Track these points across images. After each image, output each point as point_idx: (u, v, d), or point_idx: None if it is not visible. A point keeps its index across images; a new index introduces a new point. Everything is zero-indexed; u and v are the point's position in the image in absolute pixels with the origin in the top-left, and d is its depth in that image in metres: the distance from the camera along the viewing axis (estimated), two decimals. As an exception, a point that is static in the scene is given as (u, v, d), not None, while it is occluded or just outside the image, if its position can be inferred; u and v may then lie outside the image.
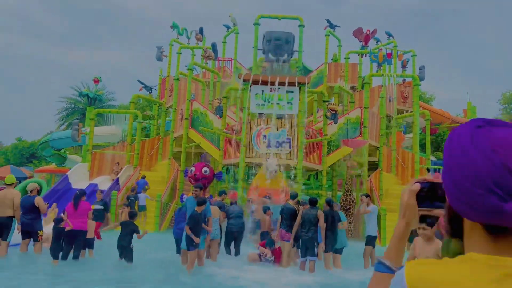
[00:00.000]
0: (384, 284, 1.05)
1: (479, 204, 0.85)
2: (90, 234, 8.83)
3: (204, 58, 19.16)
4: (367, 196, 9.17)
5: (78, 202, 8.44)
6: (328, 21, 23.81)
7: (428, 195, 1.06)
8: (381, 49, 18.09)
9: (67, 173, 16.25)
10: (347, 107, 19.53)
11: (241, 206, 11.43)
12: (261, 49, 17.56)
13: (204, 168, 14.66)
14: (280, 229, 8.40)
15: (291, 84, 14.06)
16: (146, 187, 15.56)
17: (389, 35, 23.28)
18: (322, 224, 7.75)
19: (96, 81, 22.57)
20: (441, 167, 17.41)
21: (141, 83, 22.75)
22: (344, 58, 21.96)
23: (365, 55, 22.58)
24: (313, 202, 8.03)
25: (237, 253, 10.14)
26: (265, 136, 14.09)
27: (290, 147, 13.98)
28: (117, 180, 15.78)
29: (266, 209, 9.58)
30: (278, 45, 16.02)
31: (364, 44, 21.93)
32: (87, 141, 17.70)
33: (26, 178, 28.17)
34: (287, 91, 14.16)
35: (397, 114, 20.48)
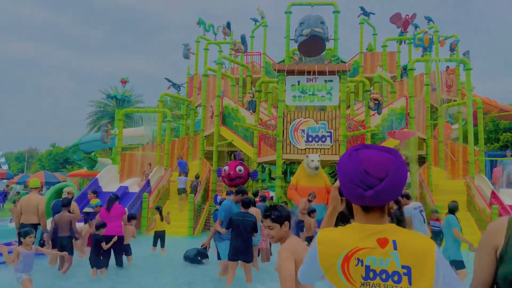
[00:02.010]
0: None
1: (353, 193, 1.54)
2: (127, 240, 8.27)
3: (233, 52, 18.24)
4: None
5: (111, 205, 7.87)
6: (362, 8, 22.44)
7: None
8: (426, 32, 16.61)
9: (97, 176, 15.68)
10: (386, 97, 18.13)
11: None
12: (293, 39, 16.41)
13: (239, 167, 13.75)
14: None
15: (331, 72, 12.92)
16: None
17: (429, 19, 21.65)
18: None
19: (124, 82, 22.07)
20: (496, 159, 15.81)
21: (169, 81, 22.09)
22: (382, 46, 20.54)
23: (404, 42, 21.10)
24: None
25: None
26: (303, 130, 13.00)
27: (331, 142, 12.83)
28: (148, 181, 15.07)
29: (311, 211, 8.47)
30: (313, 20, 14.69)
31: (403, 30, 20.45)
32: (116, 142, 17.12)
33: (59, 183, 28.16)
34: (326, 81, 13.03)
35: (441, 104, 18.93)
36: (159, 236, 9.84)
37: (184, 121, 23.25)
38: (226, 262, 6.41)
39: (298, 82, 13.12)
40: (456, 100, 19.59)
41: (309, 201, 9.82)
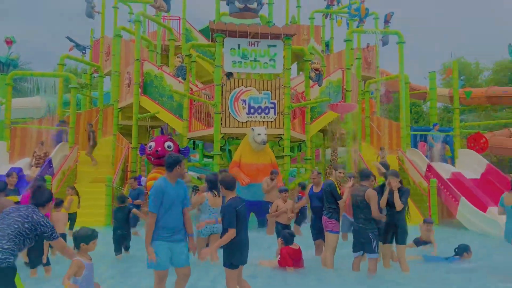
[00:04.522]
0: None
1: None
2: (62, 228, 6.60)
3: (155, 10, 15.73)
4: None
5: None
6: (287, -23, 21.39)
7: None
8: (363, 1, 16.19)
9: (-23, 156, 12.29)
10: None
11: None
12: (224, 0, 14.65)
13: (168, 143, 11.77)
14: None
15: (274, 36, 11.56)
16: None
17: (352, -5, 21.53)
18: (374, 210, 5.47)
19: (9, 42, 17.94)
20: (419, 133, 16.24)
21: (71, 40, 18.52)
22: (309, 18, 19.79)
23: (330, 15, 20.69)
24: (365, 176, 5.73)
25: None
26: (244, 101, 11.52)
27: (275, 113, 11.59)
28: (50, 161, 12.21)
29: (283, 190, 7.13)
30: None
31: (329, 3, 19.96)
32: (3, 114, 13.67)
33: None
34: (269, 45, 11.66)
35: (361, 81, 19.03)
36: (71, 219, 8.59)
37: (88, 91, 19.99)
38: (162, 273, 4.25)
39: (239, 45, 11.52)
40: (374, 78, 19.90)
41: (272, 179, 8.50)
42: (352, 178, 7.61)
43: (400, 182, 5.80)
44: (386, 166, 6.79)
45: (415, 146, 15.43)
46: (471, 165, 13.61)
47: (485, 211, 11.04)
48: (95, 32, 20.79)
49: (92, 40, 20.73)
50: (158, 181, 4.31)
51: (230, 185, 4.35)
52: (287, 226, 6.89)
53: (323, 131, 16.11)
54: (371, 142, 17.49)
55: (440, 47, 69.40)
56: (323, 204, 6.16)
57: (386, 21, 17.81)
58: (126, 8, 20.69)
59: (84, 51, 19.15)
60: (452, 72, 14.84)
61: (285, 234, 6.06)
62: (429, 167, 12.96)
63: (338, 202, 6.02)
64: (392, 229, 5.76)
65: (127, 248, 7.40)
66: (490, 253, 7.49)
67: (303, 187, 10.85)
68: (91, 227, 3.98)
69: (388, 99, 24.54)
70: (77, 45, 18.76)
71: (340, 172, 6.40)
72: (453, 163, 14.39)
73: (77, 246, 3.76)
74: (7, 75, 14.16)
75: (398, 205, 5.64)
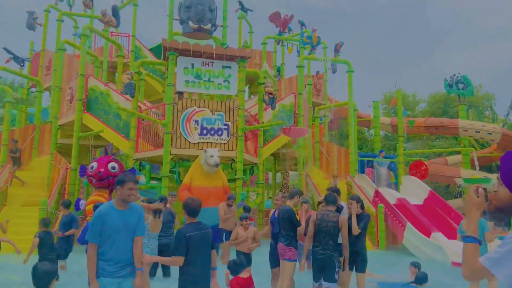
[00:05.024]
0: (476, 250, 1.92)
1: None
2: None
3: (103, 25, 15.02)
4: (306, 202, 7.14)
5: None
6: (240, 3, 21.63)
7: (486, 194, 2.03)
8: (315, 29, 16.63)
9: None
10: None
11: (171, 209, 8.27)
12: (177, 19, 14.38)
13: (112, 164, 11.05)
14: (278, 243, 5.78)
15: (230, 58, 11.43)
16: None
17: (302, 24, 22.18)
18: (345, 237, 5.31)
19: None
20: (366, 159, 16.75)
21: (9, 52, 17.15)
22: (262, 43, 20.04)
23: (281, 42, 21.11)
24: (331, 202, 5.58)
25: (166, 274, 7.47)
26: (197, 122, 11.14)
27: (228, 136, 11.31)
28: (-25, 182, 10.95)
29: (244, 217, 6.75)
30: (201, 11, 13.08)
31: (281, 30, 20.39)
32: None
33: None
34: (223, 67, 11.49)
35: (311, 107, 19.47)
36: None
37: (24, 106, 18.54)
38: None
39: (192, 65, 11.24)
40: (323, 104, 20.44)
41: (229, 205, 8.11)
42: (307, 203, 7.47)
43: (362, 207, 5.71)
44: (337, 191, 6.69)
45: (362, 171, 15.82)
46: (414, 191, 14.12)
47: (429, 236, 11.39)
48: (35, 45, 19.59)
49: (31, 53, 19.45)
50: (101, 207, 3.77)
51: (192, 211, 3.96)
52: (248, 255, 6.52)
53: (274, 154, 16.10)
54: (320, 167, 17.71)
55: (380, 77, 74.06)
56: None
57: (336, 50, 18.47)
58: (71, 21, 19.77)
59: (22, 64, 17.83)
60: (397, 101, 15.54)
61: (231, 264, 5.65)
62: (377, 193, 13.25)
63: (298, 228, 5.79)
64: (352, 256, 5.60)
65: (56, 277, 6.60)
66: (442, 279, 7.60)
67: (247, 210, 10.59)
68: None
69: (336, 125, 25.27)
70: (15, 57, 17.43)
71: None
72: (397, 189, 14.87)
73: (47, 283, 3.22)
74: None
75: (355, 228, 5.53)
